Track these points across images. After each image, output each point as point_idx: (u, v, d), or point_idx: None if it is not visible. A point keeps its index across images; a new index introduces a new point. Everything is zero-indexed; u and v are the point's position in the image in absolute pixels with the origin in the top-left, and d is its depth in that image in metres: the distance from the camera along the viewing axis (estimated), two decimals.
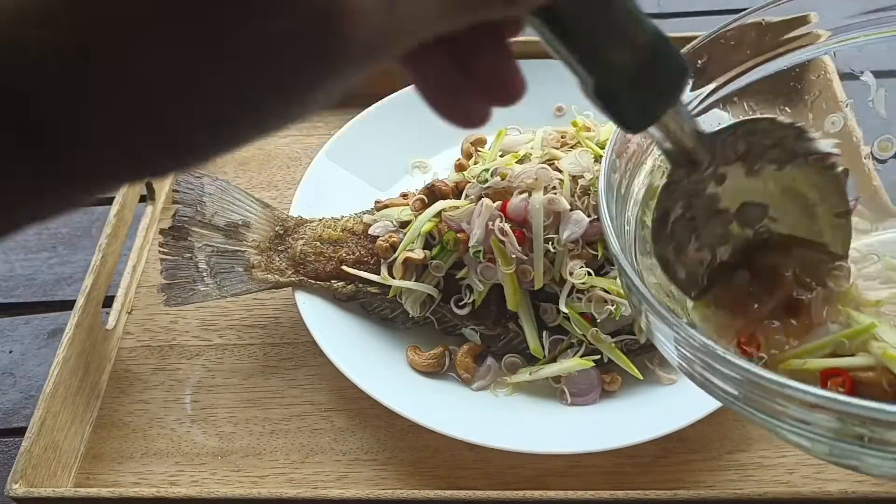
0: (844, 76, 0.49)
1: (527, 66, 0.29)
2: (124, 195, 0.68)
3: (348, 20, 0.22)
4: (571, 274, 0.57)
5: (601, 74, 0.31)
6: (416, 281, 0.61)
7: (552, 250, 0.58)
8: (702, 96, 0.47)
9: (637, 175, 0.45)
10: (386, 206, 0.65)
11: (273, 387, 0.63)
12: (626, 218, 0.44)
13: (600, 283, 0.57)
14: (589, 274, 0.57)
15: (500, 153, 0.64)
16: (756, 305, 0.44)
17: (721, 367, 0.36)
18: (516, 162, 0.61)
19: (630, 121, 0.33)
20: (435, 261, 0.60)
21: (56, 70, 0.21)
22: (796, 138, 0.42)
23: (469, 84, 0.29)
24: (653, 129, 0.35)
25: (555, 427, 0.57)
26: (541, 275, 0.58)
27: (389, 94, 0.73)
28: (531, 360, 0.60)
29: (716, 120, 0.47)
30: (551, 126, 0.66)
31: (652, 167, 0.45)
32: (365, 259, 0.63)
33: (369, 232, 0.64)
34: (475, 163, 0.65)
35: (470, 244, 0.59)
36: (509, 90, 0.29)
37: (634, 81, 0.31)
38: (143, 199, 0.73)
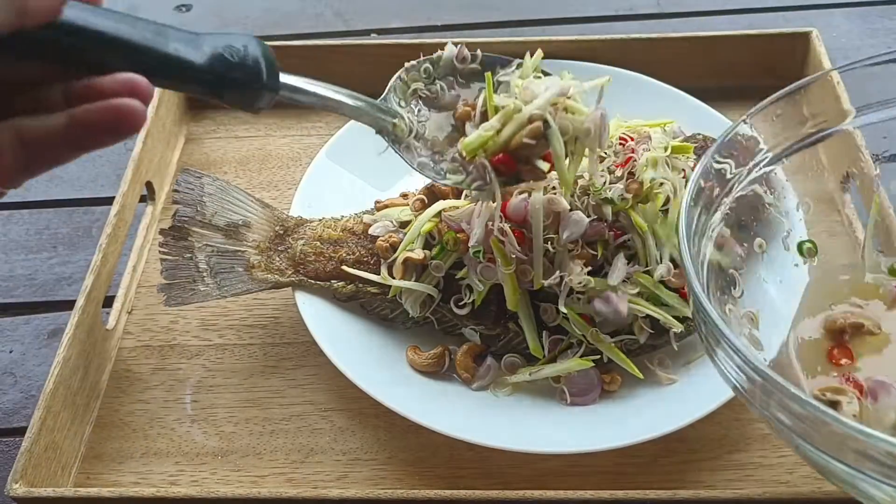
0: None
1: None
2: (124, 195, 0.68)
3: None
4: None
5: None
6: (416, 281, 0.61)
7: (552, 250, 0.58)
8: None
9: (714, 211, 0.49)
10: (386, 206, 0.65)
11: (273, 387, 0.63)
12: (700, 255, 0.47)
13: (600, 283, 0.57)
14: (589, 274, 0.57)
15: None
16: None
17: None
18: None
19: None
20: (435, 261, 0.60)
21: None
22: None
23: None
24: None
25: (555, 427, 0.57)
26: (540, 275, 0.58)
27: None
28: (531, 360, 0.60)
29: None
30: None
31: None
32: (365, 259, 0.63)
33: (369, 232, 0.64)
34: None
35: (470, 244, 0.58)
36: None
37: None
38: (143, 199, 0.73)
